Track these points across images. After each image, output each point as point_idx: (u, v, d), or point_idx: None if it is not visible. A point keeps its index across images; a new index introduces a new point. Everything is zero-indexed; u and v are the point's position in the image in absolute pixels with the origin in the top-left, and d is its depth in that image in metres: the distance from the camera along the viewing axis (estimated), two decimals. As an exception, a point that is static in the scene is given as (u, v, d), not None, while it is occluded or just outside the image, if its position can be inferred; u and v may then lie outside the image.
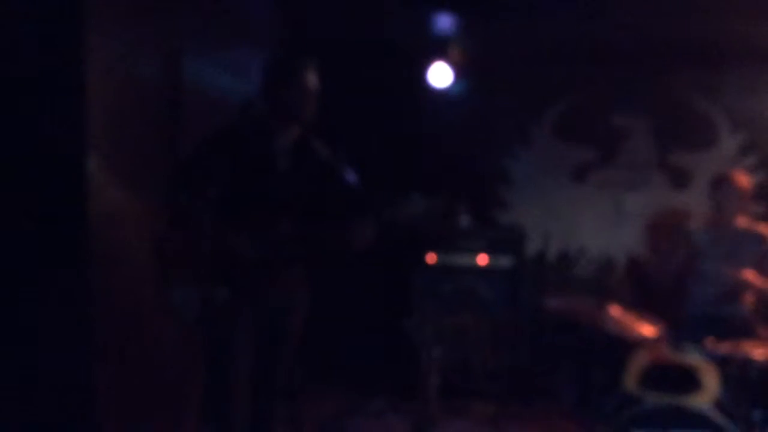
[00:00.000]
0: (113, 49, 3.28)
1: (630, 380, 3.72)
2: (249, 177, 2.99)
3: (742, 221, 4.40)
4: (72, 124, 3.11)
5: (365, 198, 3.08)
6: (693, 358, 3.70)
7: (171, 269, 2.83)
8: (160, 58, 3.67)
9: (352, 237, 2.97)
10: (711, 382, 3.59)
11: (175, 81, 3.66)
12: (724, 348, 3.78)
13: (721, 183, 4.39)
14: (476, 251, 5.27)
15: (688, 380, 3.63)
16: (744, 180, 4.37)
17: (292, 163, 3.07)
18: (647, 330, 3.89)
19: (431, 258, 5.25)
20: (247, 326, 2.99)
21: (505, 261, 5.27)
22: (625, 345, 3.87)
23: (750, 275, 4.13)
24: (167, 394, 3.63)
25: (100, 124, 3.19)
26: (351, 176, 3.13)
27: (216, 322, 2.92)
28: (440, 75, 5.52)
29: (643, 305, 4.33)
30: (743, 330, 4.01)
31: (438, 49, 5.52)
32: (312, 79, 3.05)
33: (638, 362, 3.75)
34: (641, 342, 3.85)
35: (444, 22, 5.39)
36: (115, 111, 3.30)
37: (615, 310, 3.98)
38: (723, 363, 3.68)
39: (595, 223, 5.70)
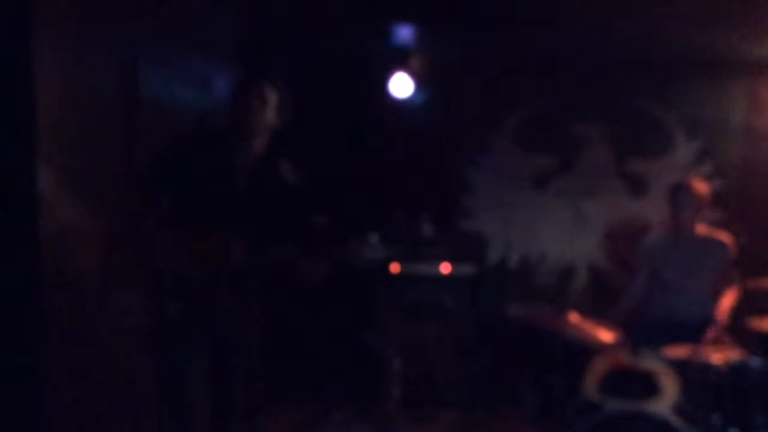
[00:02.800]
0: (65, 61, 3.22)
1: (590, 387, 3.75)
2: (205, 192, 2.93)
3: (700, 229, 4.45)
4: (22, 138, 3.04)
5: (323, 235, 3.04)
6: (652, 363, 3.73)
7: (113, 276, 2.80)
8: (115, 69, 3.61)
9: (304, 272, 2.93)
10: (670, 388, 3.63)
11: (131, 92, 3.61)
12: (683, 353, 3.82)
13: (678, 190, 4.43)
14: (439, 260, 5.29)
15: (648, 386, 3.67)
16: (701, 187, 4.42)
17: (252, 183, 3.02)
18: (606, 336, 3.93)
19: (395, 267, 5.25)
20: (201, 341, 2.94)
21: (468, 269, 5.29)
22: (585, 351, 3.90)
23: (722, 312, 4.17)
24: (121, 413, 3.56)
25: (51, 137, 3.12)
26: (314, 206, 3.09)
27: (168, 337, 2.87)
28: (401, 85, 5.55)
29: (603, 312, 4.38)
30: (702, 335, 4.06)
31: (399, 60, 5.55)
32: (273, 98, 3.01)
33: (598, 368, 3.78)
34: (601, 348, 3.88)
35: (404, 33, 5.42)
36: (67, 123, 3.24)
37: (574, 317, 4.01)
38: (682, 368, 3.72)
39: (555, 231, 5.74)
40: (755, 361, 3.70)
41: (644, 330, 4.29)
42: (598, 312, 4.34)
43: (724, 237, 4.43)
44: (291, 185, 3.08)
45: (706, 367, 3.71)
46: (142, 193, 2.93)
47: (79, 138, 3.34)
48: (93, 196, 3.35)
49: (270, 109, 3.00)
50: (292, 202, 3.07)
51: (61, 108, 3.21)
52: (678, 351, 3.85)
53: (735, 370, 3.68)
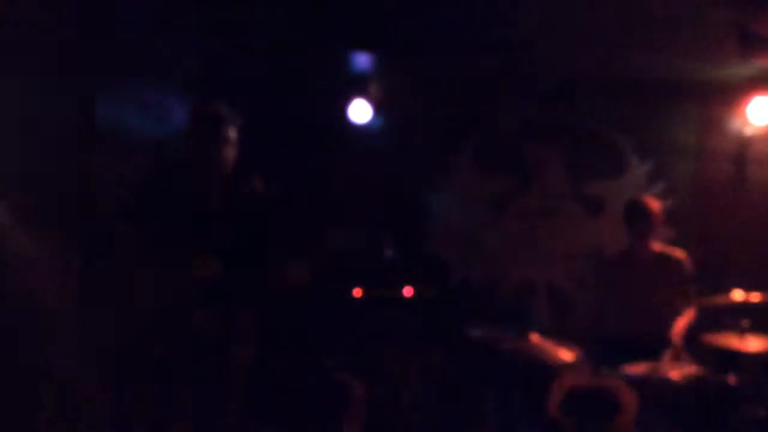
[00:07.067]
0: (19, 90, 3.19)
1: (552, 406, 3.78)
2: (174, 220, 2.92)
3: (656, 246, 4.54)
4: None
5: (295, 237, 3.05)
6: (612, 381, 3.78)
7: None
8: (72, 98, 3.59)
9: (285, 278, 2.93)
10: (630, 405, 3.67)
11: (87, 121, 3.59)
12: (642, 370, 3.88)
13: (633, 209, 4.52)
14: (401, 283, 5.28)
15: (608, 403, 3.71)
16: (654, 204, 4.51)
17: (223, 206, 3.03)
18: (567, 355, 3.96)
19: (357, 292, 5.24)
20: (183, 369, 2.91)
21: (430, 292, 5.30)
22: (546, 371, 3.93)
23: (678, 332, 4.23)
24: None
25: (6, 166, 3.09)
26: (286, 215, 3.10)
27: (145, 369, 2.84)
28: (360, 111, 5.59)
29: (564, 331, 4.42)
30: (660, 352, 4.12)
31: (357, 86, 5.59)
32: (230, 132, 3.01)
33: (559, 388, 3.82)
34: (562, 367, 3.92)
35: (363, 60, 5.46)
36: (23, 153, 3.20)
37: (535, 337, 4.05)
38: (641, 385, 3.77)
39: (515, 252, 5.79)
40: (712, 377, 3.77)
41: (604, 348, 4.34)
42: (558, 331, 4.38)
43: (680, 254, 4.52)
44: (262, 199, 3.10)
45: (665, 384, 3.76)
46: (108, 226, 2.89)
47: (36, 167, 3.30)
48: (49, 225, 3.31)
49: (232, 146, 3.01)
50: (264, 215, 3.07)
51: (17, 137, 3.17)
52: (637, 368, 3.90)
53: (692, 385, 3.74)
